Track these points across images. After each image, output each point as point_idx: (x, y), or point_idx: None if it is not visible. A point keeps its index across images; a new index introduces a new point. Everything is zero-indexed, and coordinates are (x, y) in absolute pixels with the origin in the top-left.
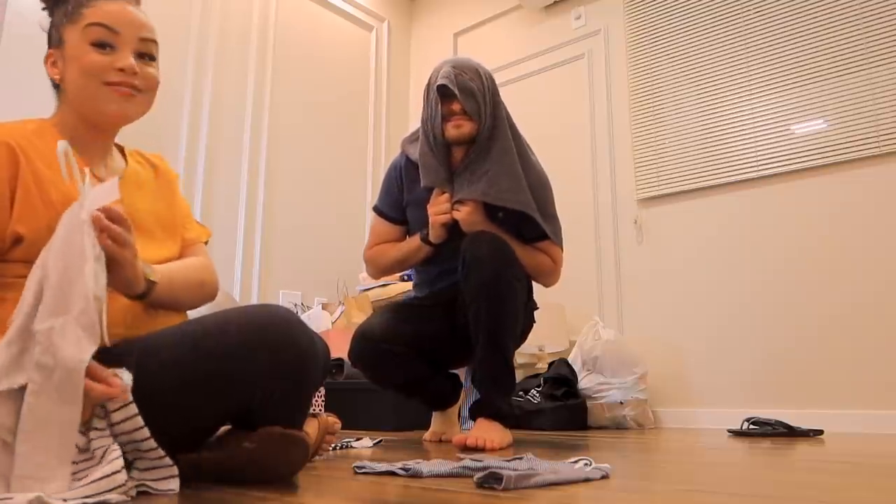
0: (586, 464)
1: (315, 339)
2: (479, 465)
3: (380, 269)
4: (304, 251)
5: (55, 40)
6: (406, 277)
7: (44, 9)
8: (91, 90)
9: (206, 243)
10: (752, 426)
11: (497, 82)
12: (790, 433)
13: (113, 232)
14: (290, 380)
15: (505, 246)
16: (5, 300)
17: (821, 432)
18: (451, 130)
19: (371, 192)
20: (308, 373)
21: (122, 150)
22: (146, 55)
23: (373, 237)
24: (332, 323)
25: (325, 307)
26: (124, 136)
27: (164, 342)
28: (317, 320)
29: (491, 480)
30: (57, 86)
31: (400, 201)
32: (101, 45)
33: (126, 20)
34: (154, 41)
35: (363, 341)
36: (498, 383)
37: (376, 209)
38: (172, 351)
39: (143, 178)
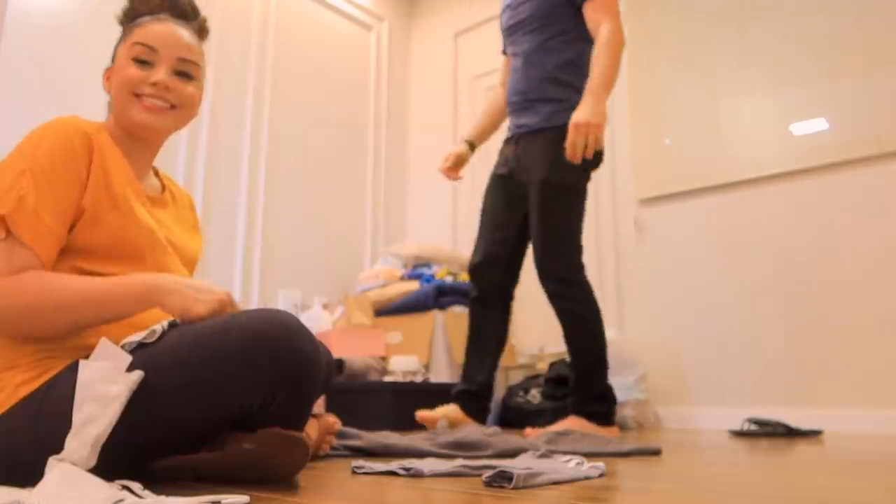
0: (578, 463)
1: (317, 345)
2: (479, 464)
3: None
4: (304, 251)
5: (112, 58)
6: (405, 277)
7: (121, 13)
8: (123, 100)
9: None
10: (752, 426)
11: (496, 82)
12: (790, 433)
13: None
14: (292, 385)
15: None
16: None
17: (821, 432)
18: None
19: (371, 191)
20: (310, 378)
21: (156, 171)
22: (184, 73)
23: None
24: (333, 323)
25: (325, 307)
26: None
27: (166, 344)
28: (317, 320)
29: (500, 479)
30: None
31: None
32: (140, 62)
33: (167, 40)
34: (195, 62)
35: None
36: None
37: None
38: (174, 353)
39: (178, 202)
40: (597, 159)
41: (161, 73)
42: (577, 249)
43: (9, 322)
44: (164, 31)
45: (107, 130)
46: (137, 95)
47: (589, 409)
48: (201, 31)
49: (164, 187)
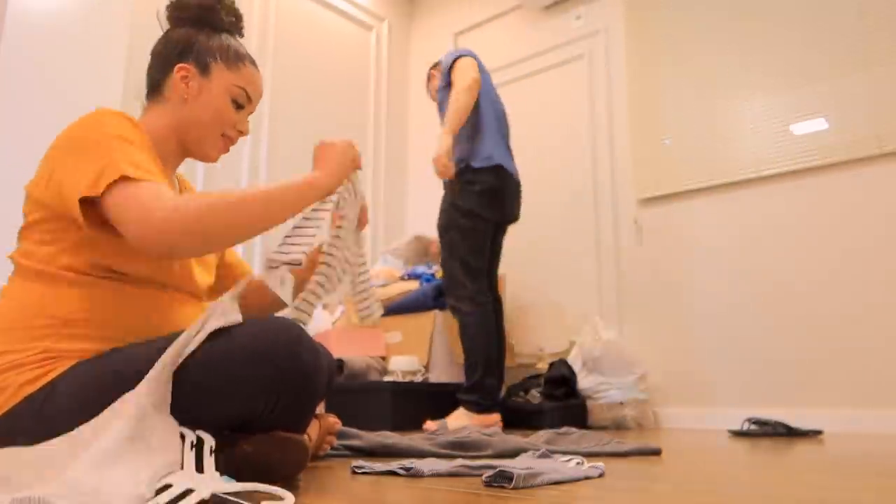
0: (578, 463)
1: (319, 353)
2: (479, 464)
3: None
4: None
5: (200, 63)
6: (405, 277)
7: (181, 17)
8: (210, 132)
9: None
10: (752, 426)
11: (497, 82)
12: (790, 433)
13: None
14: (293, 392)
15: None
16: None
17: (820, 432)
18: None
19: (371, 191)
20: (311, 386)
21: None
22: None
23: None
24: (333, 323)
25: (325, 307)
26: None
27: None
28: (317, 320)
29: (500, 479)
30: (156, 87)
31: None
32: (237, 105)
33: (259, 93)
34: None
35: None
36: None
37: None
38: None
39: None
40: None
41: (246, 123)
42: (467, 273)
43: (212, 224)
44: (259, 83)
45: (146, 128)
46: (224, 136)
47: (464, 399)
48: None
49: (181, 190)
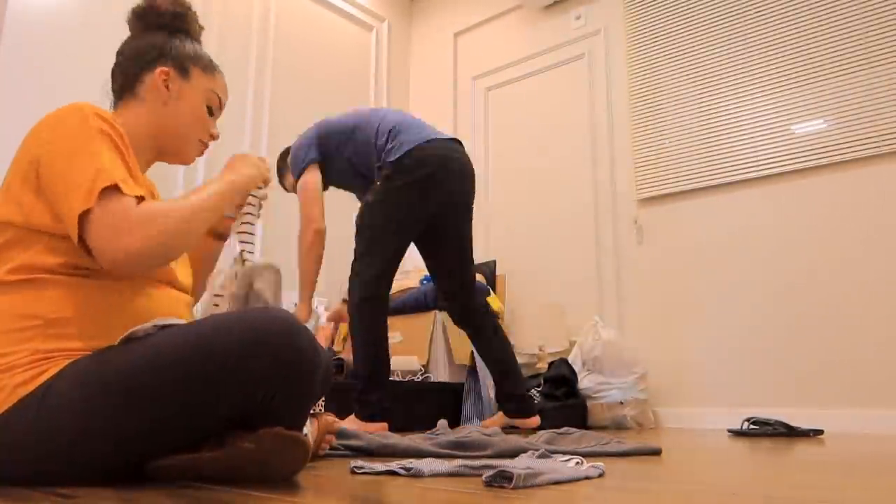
0: (577, 462)
1: (317, 345)
2: (479, 464)
3: None
4: None
5: (179, 66)
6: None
7: (154, 22)
8: (188, 137)
9: None
10: (752, 426)
11: (497, 82)
12: (790, 433)
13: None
14: (291, 383)
15: None
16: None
17: (821, 432)
18: None
19: None
20: (309, 377)
21: None
22: None
23: None
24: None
25: (326, 309)
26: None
27: (167, 340)
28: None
29: (500, 479)
30: (129, 87)
31: None
32: (210, 110)
33: (226, 101)
34: None
35: None
36: None
37: None
38: (175, 349)
39: None
40: None
41: (216, 127)
42: (362, 282)
43: (171, 235)
44: (226, 86)
45: (121, 124)
46: (201, 141)
47: (357, 408)
48: None
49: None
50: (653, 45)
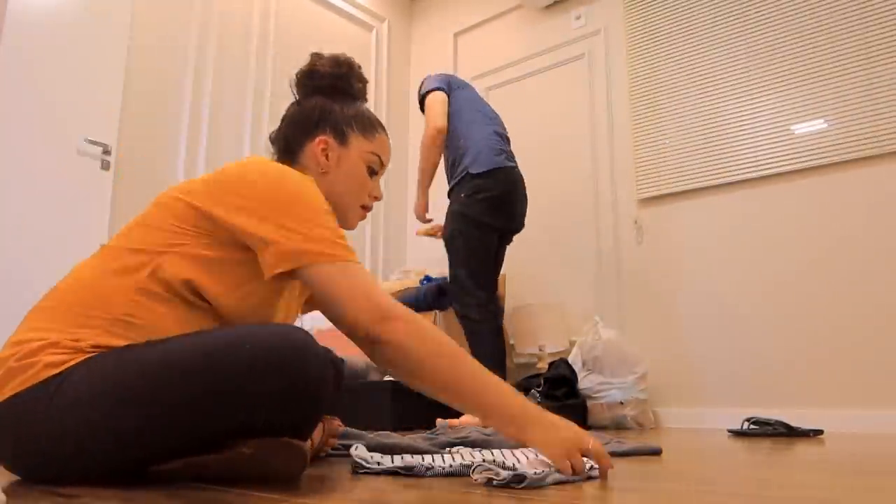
0: None
1: (326, 365)
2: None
3: None
4: None
5: (338, 133)
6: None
7: (315, 86)
8: (350, 202)
9: None
10: (752, 426)
11: (497, 82)
12: (790, 433)
13: None
14: (299, 405)
15: None
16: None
17: (821, 432)
18: None
19: None
20: (318, 400)
21: None
22: None
23: None
24: None
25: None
26: (127, 136)
27: (177, 350)
28: (318, 321)
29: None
30: (291, 152)
31: None
32: (371, 172)
33: (389, 157)
34: None
35: None
36: None
37: None
38: (184, 362)
39: None
40: None
41: (379, 188)
42: (474, 281)
43: (420, 362)
44: (389, 148)
45: None
46: (363, 206)
47: None
48: None
49: None
50: (653, 45)
